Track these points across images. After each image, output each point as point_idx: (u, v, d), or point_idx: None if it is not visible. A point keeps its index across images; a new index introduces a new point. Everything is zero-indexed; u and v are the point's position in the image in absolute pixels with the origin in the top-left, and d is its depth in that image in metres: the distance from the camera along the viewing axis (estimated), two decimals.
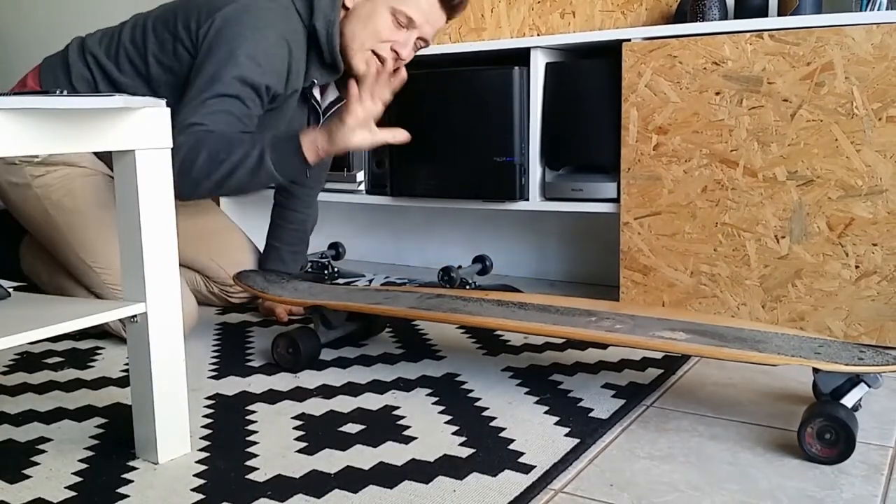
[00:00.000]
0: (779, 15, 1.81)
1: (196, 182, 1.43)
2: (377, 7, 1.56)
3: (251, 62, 1.47)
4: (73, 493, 0.98)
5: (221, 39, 1.48)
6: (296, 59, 1.55)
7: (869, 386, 1.10)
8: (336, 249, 2.30)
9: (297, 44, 1.55)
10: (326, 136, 1.45)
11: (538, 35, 2.25)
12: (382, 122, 1.50)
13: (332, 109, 1.75)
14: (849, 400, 1.09)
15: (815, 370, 1.11)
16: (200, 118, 1.44)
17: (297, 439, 1.15)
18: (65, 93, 0.98)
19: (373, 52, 1.59)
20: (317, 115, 1.71)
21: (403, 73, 1.51)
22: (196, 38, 1.52)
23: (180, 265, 1.18)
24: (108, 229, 1.60)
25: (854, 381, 1.10)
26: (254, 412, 1.26)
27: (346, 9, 1.58)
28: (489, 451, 1.09)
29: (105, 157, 1.66)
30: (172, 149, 1.06)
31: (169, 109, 1.04)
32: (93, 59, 1.61)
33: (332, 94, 1.74)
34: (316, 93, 1.68)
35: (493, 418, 1.21)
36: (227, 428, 1.19)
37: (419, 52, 1.67)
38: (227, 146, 1.42)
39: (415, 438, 1.14)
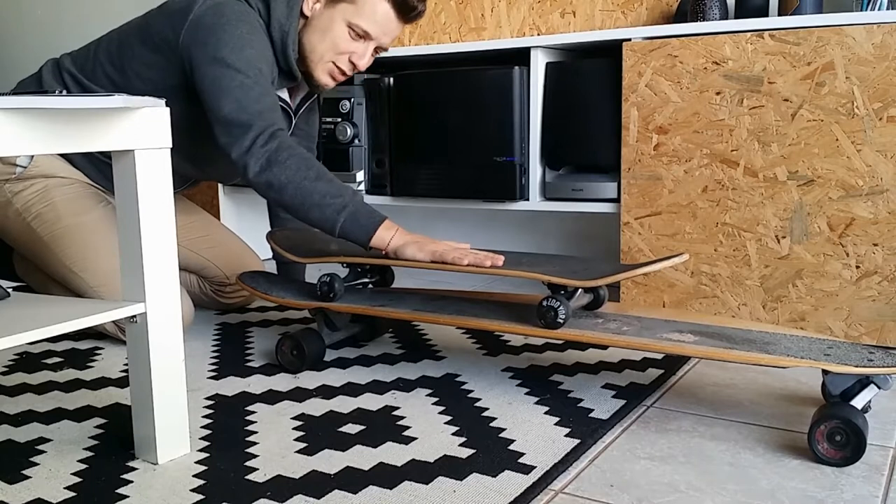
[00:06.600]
0: (779, 14, 1.81)
1: (276, 178, 1.42)
2: (334, 20, 1.56)
3: (246, 47, 1.48)
4: (72, 494, 0.98)
5: (209, 33, 1.47)
6: (269, 52, 1.56)
7: (879, 387, 1.10)
8: None
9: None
10: (412, 242, 1.42)
11: (538, 35, 2.25)
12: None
13: (304, 107, 1.76)
14: (859, 401, 1.08)
15: (825, 372, 1.10)
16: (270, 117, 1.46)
17: (297, 440, 1.14)
18: (64, 93, 0.98)
19: (333, 63, 1.60)
20: (287, 116, 1.70)
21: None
22: (176, 40, 1.51)
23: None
24: (90, 235, 1.60)
25: (864, 382, 1.09)
26: (253, 412, 1.26)
27: (305, 17, 1.58)
28: (489, 451, 1.09)
29: (81, 166, 1.66)
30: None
31: (168, 109, 1.04)
32: (69, 76, 1.61)
33: (303, 91, 1.74)
34: (282, 94, 1.67)
35: (493, 419, 1.21)
36: (226, 428, 1.19)
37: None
38: (324, 184, 1.43)
39: (415, 439, 1.14)
